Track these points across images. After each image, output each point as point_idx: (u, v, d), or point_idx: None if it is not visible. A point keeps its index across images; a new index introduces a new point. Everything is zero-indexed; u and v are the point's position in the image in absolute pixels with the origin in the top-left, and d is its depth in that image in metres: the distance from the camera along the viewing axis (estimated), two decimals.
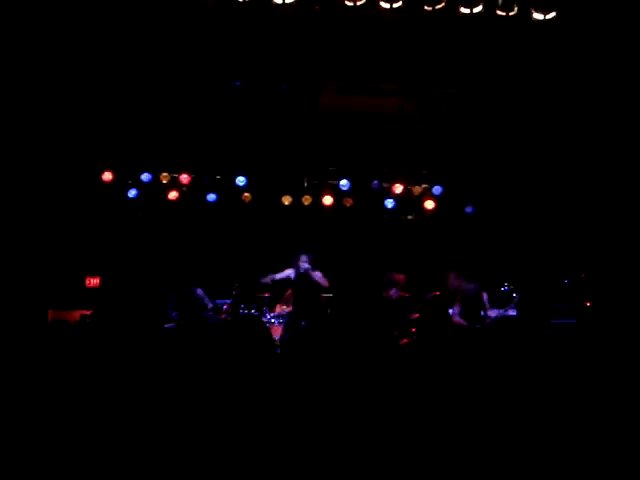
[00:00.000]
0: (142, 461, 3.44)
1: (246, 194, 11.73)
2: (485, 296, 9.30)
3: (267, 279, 10.03)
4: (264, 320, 10.31)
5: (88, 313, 10.02)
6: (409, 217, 12.18)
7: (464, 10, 7.85)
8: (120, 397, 3.91)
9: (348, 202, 11.80)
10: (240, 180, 11.55)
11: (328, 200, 11.73)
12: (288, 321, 9.92)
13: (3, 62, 8.75)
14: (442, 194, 11.75)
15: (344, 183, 11.66)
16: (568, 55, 8.61)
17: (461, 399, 4.01)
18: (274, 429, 3.53)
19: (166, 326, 9.55)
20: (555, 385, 4.24)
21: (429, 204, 11.77)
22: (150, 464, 3.43)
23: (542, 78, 9.19)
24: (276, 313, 10.49)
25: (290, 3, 7.87)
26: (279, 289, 10.58)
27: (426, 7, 7.87)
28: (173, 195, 11.68)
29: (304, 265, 9.72)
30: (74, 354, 4.40)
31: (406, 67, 9.21)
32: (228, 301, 10.53)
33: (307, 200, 11.77)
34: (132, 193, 11.54)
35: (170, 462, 3.42)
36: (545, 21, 7.89)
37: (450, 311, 9.16)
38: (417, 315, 9.32)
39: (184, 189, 11.74)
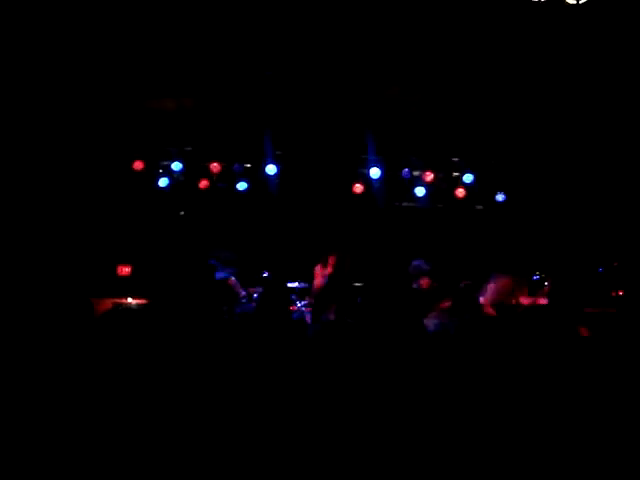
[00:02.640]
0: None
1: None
2: None
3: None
4: (294, 309, 10.31)
5: (120, 301, 10.07)
6: (439, 205, 12.09)
7: None
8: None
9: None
10: (270, 169, 11.54)
11: (358, 189, 11.70)
12: (315, 312, 9.90)
13: (33, 52, 8.83)
14: (473, 182, 11.67)
15: (375, 171, 11.60)
16: (602, 40, 8.49)
17: (491, 389, 3.99)
18: (303, 422, 3.54)
19: None
20: (587, 375, 4.19)
21: (460, 192, 11.71)
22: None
23: (574, 62, 9.07)
24: (305, 302, 10.44)
25: None
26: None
27: None
28: (204, 184, 11.72)
29: None
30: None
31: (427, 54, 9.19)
32: (259, 289, 10.54)
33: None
34: (163, 182, 11.61)
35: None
36: (578, 5, 7.80)
37: (481, 299, 9.09)
38: (448, 304, 9.25)
39: (214, 178, 11.78)
